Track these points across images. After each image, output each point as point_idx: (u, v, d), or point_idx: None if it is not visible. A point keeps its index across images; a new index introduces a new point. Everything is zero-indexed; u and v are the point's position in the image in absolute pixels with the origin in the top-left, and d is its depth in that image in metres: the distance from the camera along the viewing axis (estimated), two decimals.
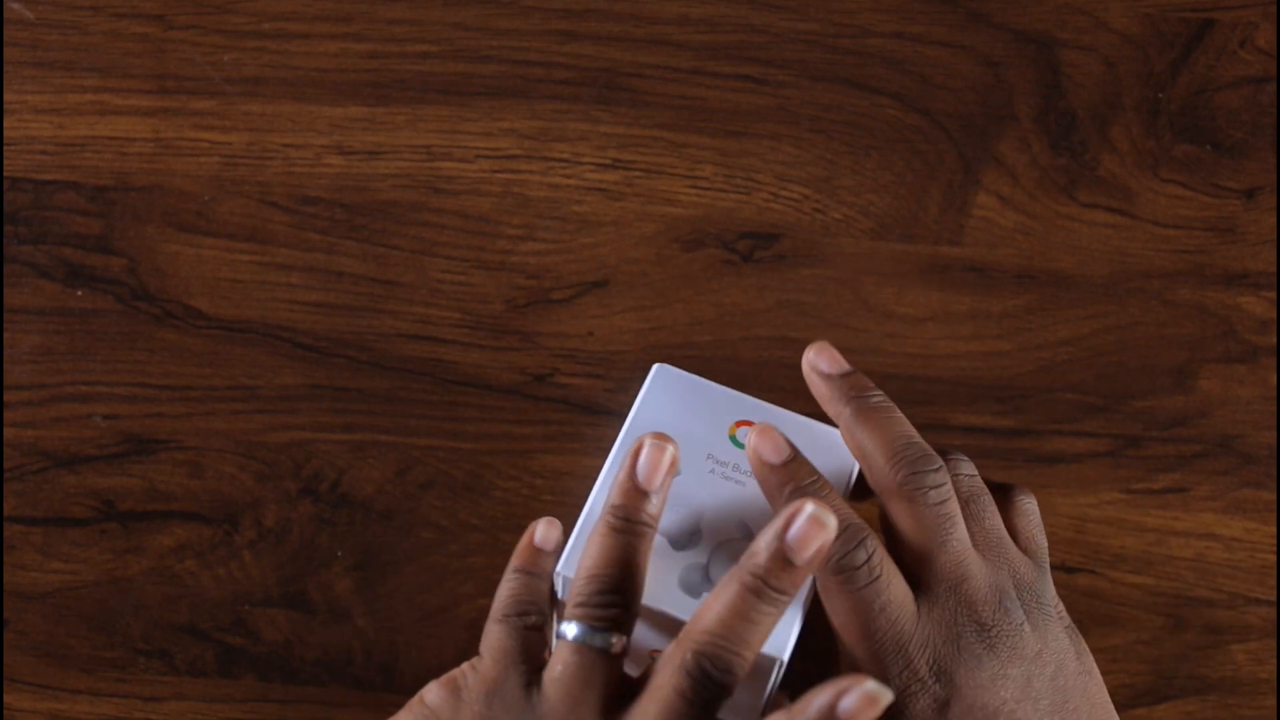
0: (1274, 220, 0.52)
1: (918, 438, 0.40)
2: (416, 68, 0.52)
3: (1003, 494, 0.43)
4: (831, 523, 0.34)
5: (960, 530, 0.39)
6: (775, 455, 0.39)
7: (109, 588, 0.51)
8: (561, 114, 0.52)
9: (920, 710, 0.37)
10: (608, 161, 0.52)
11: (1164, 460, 0.51)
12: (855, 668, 0.39)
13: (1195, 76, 0.52)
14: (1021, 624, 0.39)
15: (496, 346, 0.52)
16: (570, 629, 0.36)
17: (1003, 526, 0.42)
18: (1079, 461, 0.51)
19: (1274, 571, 0.51)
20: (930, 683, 0.38)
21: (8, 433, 0.52)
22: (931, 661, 0.38)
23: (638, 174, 0.52)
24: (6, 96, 0.52)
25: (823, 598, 0.39)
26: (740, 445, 0.42)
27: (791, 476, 0.39)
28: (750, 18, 0.52)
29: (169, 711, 0.51)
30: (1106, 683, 0.51)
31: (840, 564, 0.38)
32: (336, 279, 0.52)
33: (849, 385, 0.41)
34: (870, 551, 0.38)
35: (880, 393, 0.41)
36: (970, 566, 0.39)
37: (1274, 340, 0.52)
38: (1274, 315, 0.52)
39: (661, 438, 0.38)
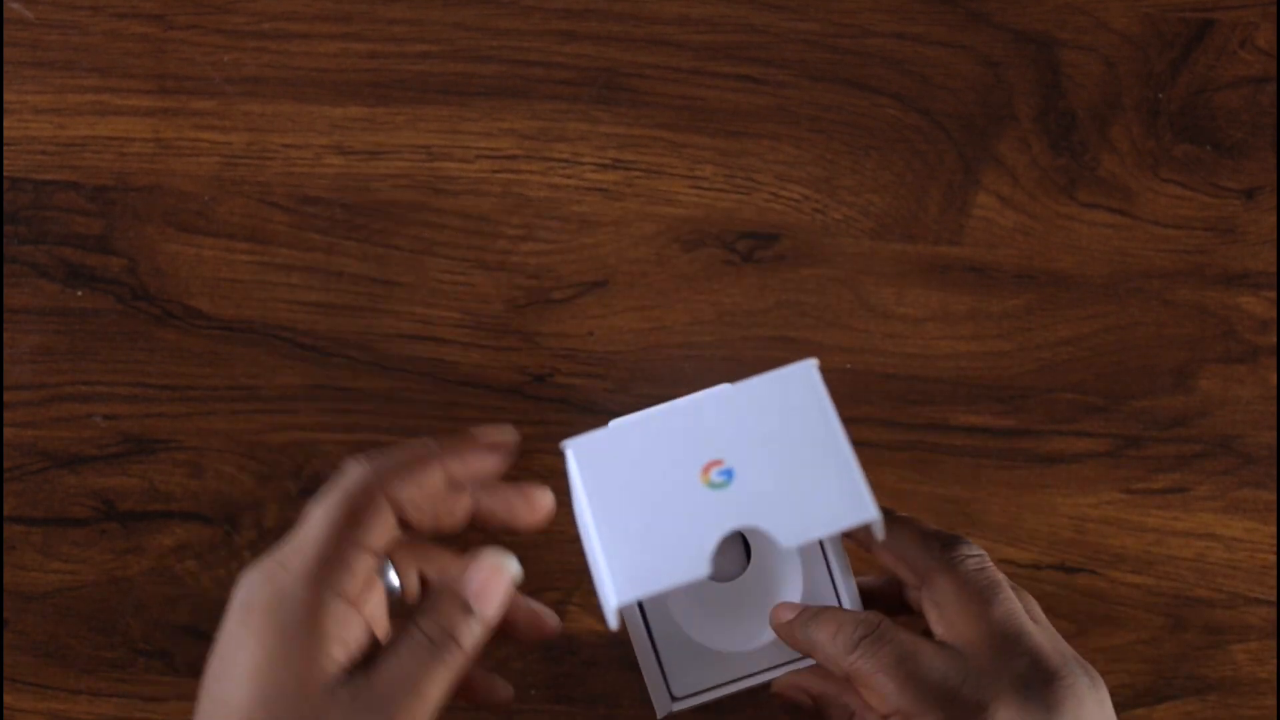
0: (1274, 220, 0.52)
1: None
2: (416, 68, 0.52)
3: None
4: (511, 567, 0.38)
5: (1008, 590, 0.39)
6: (787, 613, 0.41)
7: (109, 588, 0.51)
8: (561, 114, 0.52)
9: None
10: (608, 161, 0.52)
11: (1164, 460, 0.51)
12: None
13: (1195, 76, 0.52)
14: (1090, 686, 0.38)
15: (496, 346, 0.52)
16: None
17: (1014, 613, 0.40)
18: (1079, 461, 0.51)
19: (1274, 571, 0.51)
20: None
21: (8, 433, 0.52)
22: (993, 706, 0.37)
23: (638, 174, 0.52)
24: (6, 96, 0.52)
25: (856, 681, 0.38)
26: (714, 486, 0.38)
27: (800, 625, 0.40)
28: (750, 18, 0.52)
29: (169, 711, 0.51)
30: (1106, 683, 0.51)
31: (863, 637, 0.38)
32: (336, 279, 0.52)
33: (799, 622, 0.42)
34: (880, 619, 0.39)
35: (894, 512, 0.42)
36: (1025, 622, 0.39)
37: (1274, 340, 0.52)
38: (1274, 315, 0.52)
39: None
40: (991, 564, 0.40)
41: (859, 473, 0.37)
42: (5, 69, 0.52)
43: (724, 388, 0.38)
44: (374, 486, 0.36)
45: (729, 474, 0.37)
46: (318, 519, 0.36)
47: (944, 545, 0.40)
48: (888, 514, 0.43)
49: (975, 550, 0.40)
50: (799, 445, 0.37)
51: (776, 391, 0.37)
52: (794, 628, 0.40)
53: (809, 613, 0.40)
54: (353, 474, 0.37)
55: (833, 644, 0.39)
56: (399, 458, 0.38)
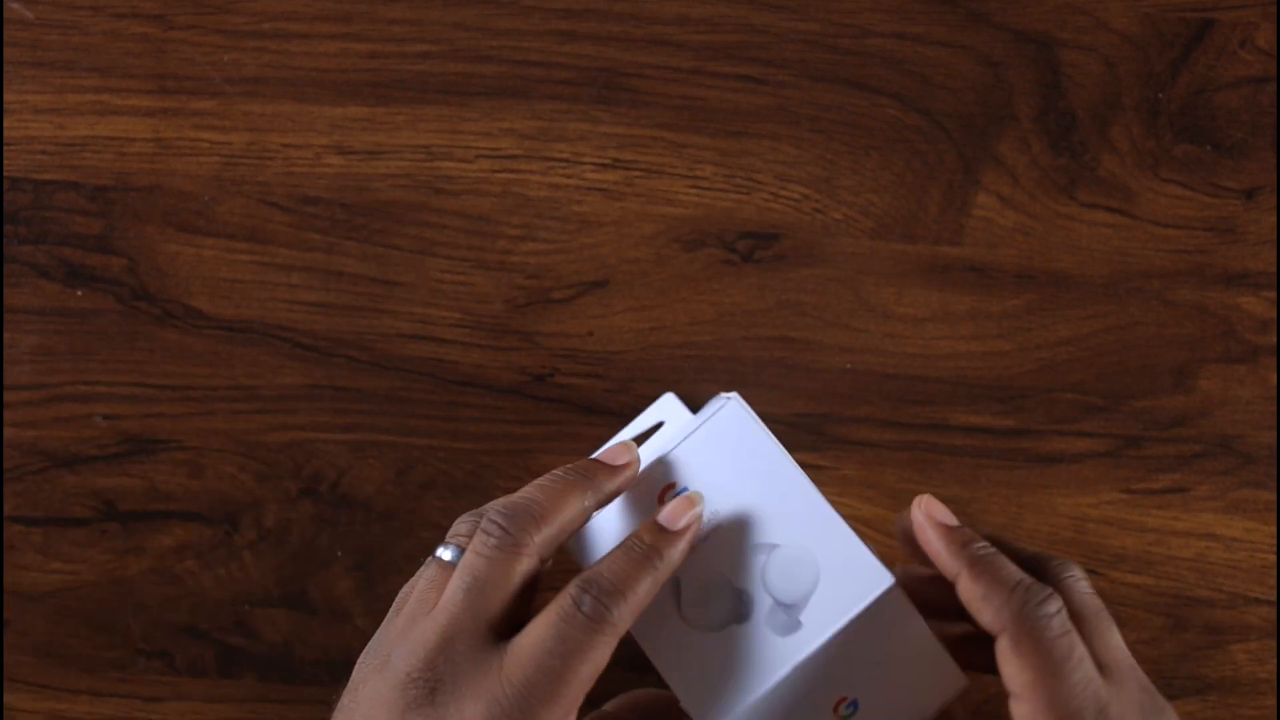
0: (1274, 220, 0.52)
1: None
2: (416, 68, 0.52)
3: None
4: (700, 501, 0.40)
5: (1086, 657, 0.38)
6: (950, 519, 0.41)
7: (109, 588, 0.51)
8: (561, 114, 0.52)
9: None
10: (608, 161, 0.52)
11: (1164, 460, 0.51)
12: None
13: (1195, 76, 0.52)
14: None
15: (496, 346, 0.52)
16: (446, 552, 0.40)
17: (1124, 645, 0.40)
18: (1079, 461, 0.51)
19: (1274, 571, 0.51)
20: None
21: (8, 433, 0.52)
22: None
23: (638, 174, 0.52)
24: (6, 96, 0.52)
25: (1007, 658, 0.38)
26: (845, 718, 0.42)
27: (971, 537, 0.40)
28: (750, 18, 0.52)
29: (169, 711, 0.51)
30: None
31: (1033, 611, 0.38)
32: (336, 279, 0.52)
33: (961, 539, 0.41)
34: (1061, 606, 0.38)
35: (986, 543, 0.41)
36: (1102, 694, 0.38)
37: (1274, 340, 0.52)
38: (1274, 315, 0.52)
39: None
40: (1071, 626, 0.39)
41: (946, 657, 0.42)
42: (5, 69, 0.52)
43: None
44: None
45: (854, 705, 0.42)
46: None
47: (1024, 602, 0.39)
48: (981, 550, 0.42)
49: (1055, 608, 0.39)
50: (902, 660, 0.42)
51: (877, 616, 0.41)
52: (961, 562, 0.40)
53: (979, 564, 0.39)
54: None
55: (1005, 606, 0.38)
56: (553, 521, 0.39)
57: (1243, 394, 0.52)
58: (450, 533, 0.41)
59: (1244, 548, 0.51)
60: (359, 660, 0.39)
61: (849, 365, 0.52)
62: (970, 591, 0.39)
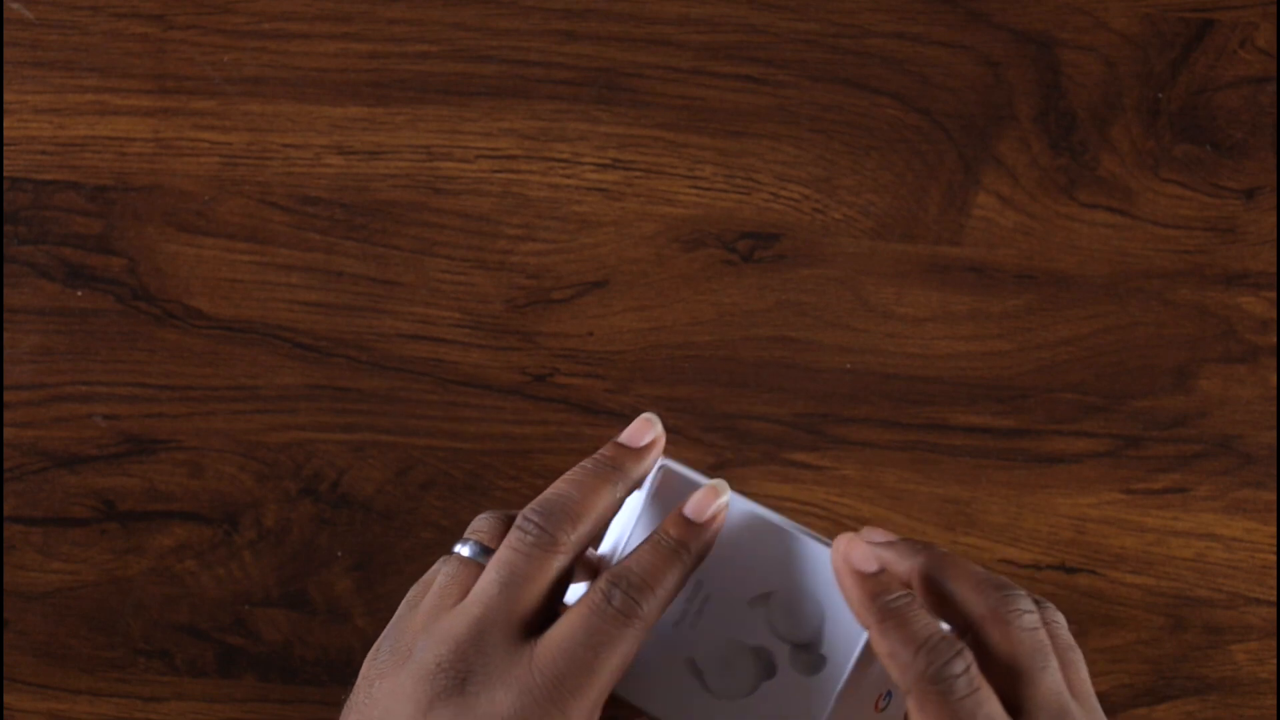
0: (1274, 220, 0.52)
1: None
2: (416, 68, 0.52)
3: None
4: (725, 491, 0.40)
5: (992, 716, 0.37)
6: (867, 565, 0.40)
7: (109, 588, 0.51)
8: (561, 114, 0.52)
9: None
10: (608, 161, 0.52)
11: (1164, 460, 0.51)
12: None
13: (1195, 76, 0.52)
14: None
15: (496, 346, 0.52)
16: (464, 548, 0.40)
17: (1060, 687, 0.38)
18: (1079, 461, 0.51)
19: (1274, 571, 0.51)
20: None
21: (8, 433, 0.52)
22: None
23: (638, 174, 0.52)
24: (6, 96, 0.52)
25: (914, 718, 0.37)
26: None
27: (884, 588, 0.39)
28: (750, 18, 0.52)
29: (169, 711, 0.51)
30: (1106, 683, 0.51)
31: (937, 673, 0.37)
32: (336, 279, 0.52)
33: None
34: (968, 664, 0.37)
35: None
36: (1067, 700, 0.37)
37: (1274, 340, 0.52)
38: (1274, 315, 0.52)
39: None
40: (981, 684, 0.38)
41: None
42: (5, 69, 0.52)
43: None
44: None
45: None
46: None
47: (996, 589, 0.39)
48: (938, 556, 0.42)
49: (1029, 606, 0.38)
50: None
51: None
52: (881, 616, 0.38)
53: (890, 618, 0.38)
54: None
55: (910, 666, 0.37)
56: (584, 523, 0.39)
57: (1243, 394, 0.52)
58: (469, 529, 0.41)
59: (1244, 548, 0.51)
60: (369, 656, 0.39)
61: (849, 365, 0.52)
62: (879, 646, 0.38)
